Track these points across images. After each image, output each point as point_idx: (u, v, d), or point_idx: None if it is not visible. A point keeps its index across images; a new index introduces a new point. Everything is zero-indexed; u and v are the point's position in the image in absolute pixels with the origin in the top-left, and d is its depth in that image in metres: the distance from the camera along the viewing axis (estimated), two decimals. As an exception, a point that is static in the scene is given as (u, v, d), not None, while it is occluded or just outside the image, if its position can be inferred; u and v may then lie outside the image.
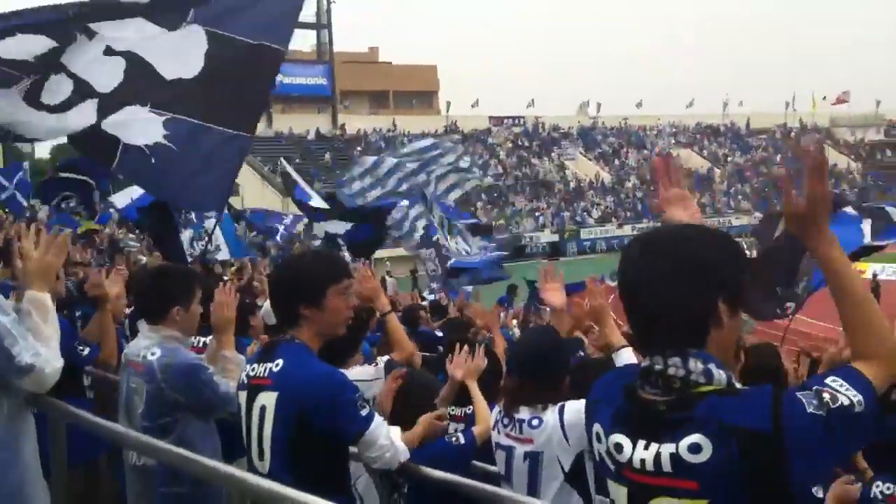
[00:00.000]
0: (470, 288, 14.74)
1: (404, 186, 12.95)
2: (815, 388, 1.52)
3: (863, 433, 1.57)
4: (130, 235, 21.73)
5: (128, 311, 5.09)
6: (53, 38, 4.59)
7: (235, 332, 3.57)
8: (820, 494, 3.05)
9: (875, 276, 23.40)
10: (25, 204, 18.44)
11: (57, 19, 4.68)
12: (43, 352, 2.78)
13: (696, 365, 1.58)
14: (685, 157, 59.90)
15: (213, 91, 5.07)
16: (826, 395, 1.50)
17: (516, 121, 60.44)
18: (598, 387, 1.80)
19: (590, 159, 57.96)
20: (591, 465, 2.82)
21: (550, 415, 3.00)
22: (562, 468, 2.96)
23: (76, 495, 3.75)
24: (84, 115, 4.72)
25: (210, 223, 13.01)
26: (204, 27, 5.03)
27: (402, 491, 3.33)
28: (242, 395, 2.63)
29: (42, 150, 50.05)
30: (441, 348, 5.94)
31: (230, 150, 5.25)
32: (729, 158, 62.20)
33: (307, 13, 47.53)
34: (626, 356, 3.11)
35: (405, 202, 12.84)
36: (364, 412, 2.53)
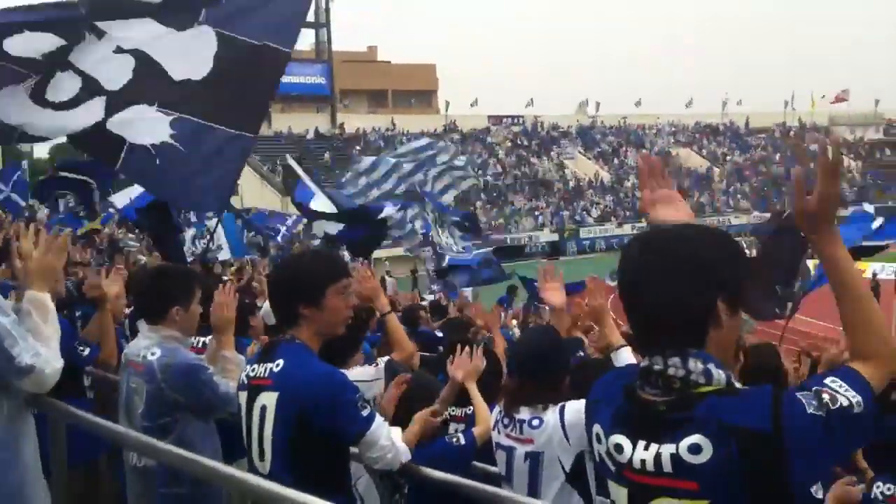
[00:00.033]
0: (469, 289, 14.75)
1: (403, 187, 12.98)
2: (814, 388, 1.52)
3: (861, 434, 1.57)
4: (130, 235, 21.73)
5: (127, 311, 5.09)
6: (62, 37, 4.59)
7: (235, 332, 3.57)
8: (819, 495, 3.05)
9: (875, 275, 23.41)
10: (23, 204, 18.44)
11: (67, 17, 4.68)
12: (43, 352, 2.77)
13: (695, 365, 1.58)
14: (684, 157, 60.01)
15: (219, 91, 5.08)
16: (826, 396, 1.50)
17: (515, 120, 60.42)
18: (598, 387, 1.80)
19: (589, 158, 57.95)
20: (592, 465, 2.82)
21: (551, 415, 3.00)
22: (563, 468, 2.96)
23: (76, 496, 3.75)
24: (91, 113, 4.72)
25: (212, 222, 13.04)
26: (214, 28, 5.03)
27: (402, 492, 3.33)
28: (243, 396, 2.63)
29: (41, 150, 50.06)
30: (441, 348, 5.94)
31: (233, 151, 5.25)
32: (728, 157, 62.21)
33: (306, 12, 47.45)
34: (625, 356, 3.11)
35: (407, 205, 12.87)
36: (365, 413, 2.53)
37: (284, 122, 50.39)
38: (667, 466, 1.54)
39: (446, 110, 60.07)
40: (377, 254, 17.23)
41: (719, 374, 1.57)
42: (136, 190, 14.65)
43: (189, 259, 12.84)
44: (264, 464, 2.53)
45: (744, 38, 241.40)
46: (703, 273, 1.60)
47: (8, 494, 2.76)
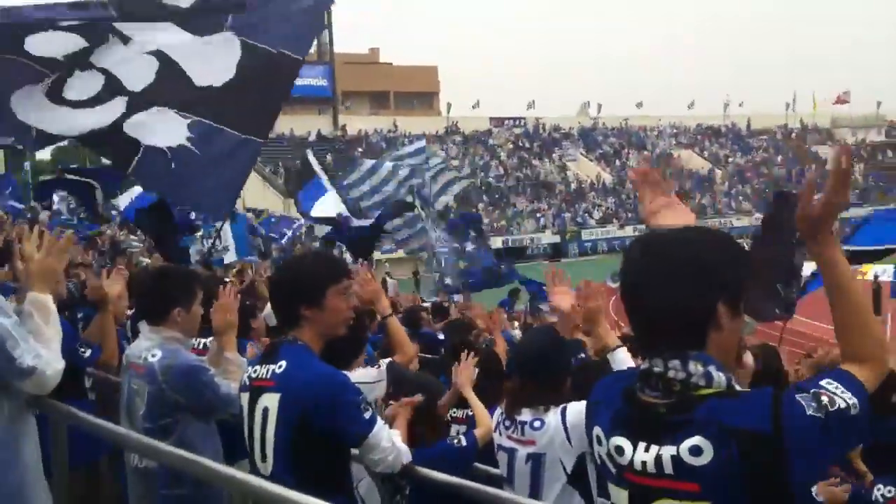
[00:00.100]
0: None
1: (403, 191, 13.03)
2: (812, 390, 1.53)
3: (857, 435, 1.58)
4: (132, 237, 21.74)
5: (129, 312, 5.10)
6: (85, 38, 4.61)
7: (237, 333, 3.57)
8: (820, 498, 3.05)
9: (876, 277, 23.38)
10: (21, 207, 18.52)
11: (92, 17, 4.69)
12: (44, 354, 2.77)
13: (696, 367, 1.58)
14: (686, 158, 60.01)
15: (235, 97, 5.12)
16: (824, 398, 1.51)
17: (517, 122, 60.46)
18: (599, 389, 1.80)
19: (591, 160, 57.96)
20: (593, 466, 2.82)
21: (552, 416, 3.00)
22: (564, 470, 2.96)
23: (77, 497, 3.75)
24: (111, 113, 4.73)
25: (221, 223, 13.07)
26: (239, 37, 5.07)
27: (404, 493, 3.33)
28: (245, 397, 2.63)
29: (43, 152, 50.11)
30: (443, 350, 5.95)
31: (242, 154, 5.28)
32: (730, 159, 62.20)
33: (308, 14, 47.50)
34: (621, 356, 3.11)
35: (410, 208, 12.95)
36: (367, 414, 2.53)
37: (286, 123, 50.43)
38: (668, 468, 1.54)
39: (448, 112, 60.12)
40: (377, 255, 17.27)
41: (720, 377, 1.57)
42: (136, 191, 14.68)
43: (196, 259, 12.88)
44: (266, 465, 2.53)
45: (744, 38, 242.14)
46: (704, 275, 1.60)
47: (8, 495, 2.76)
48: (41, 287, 2.93)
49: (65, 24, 4.59)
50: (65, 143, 5.19)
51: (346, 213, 12.94)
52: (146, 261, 13.68)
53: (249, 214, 20.42)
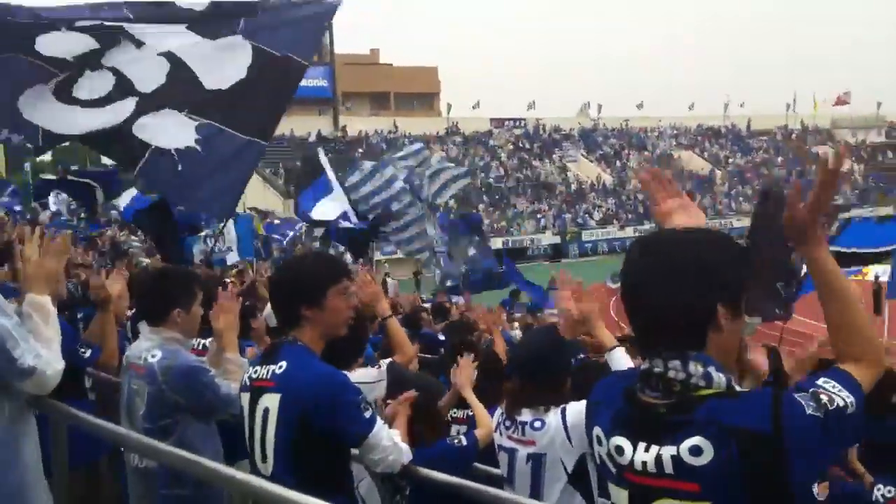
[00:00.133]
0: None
1: (404, 196, 13.06)
2: (811, 390, 1.54)
3: (853, 433, 1.59)
4: (133, 237, 21.76)
5: (129, 313, 5.10)
6: (97, 40, 4.62)
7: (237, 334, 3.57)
8: (821, 498, 3.04)
9: (877, 277, 23.38)
10: (18, 208, 18.57)
11: (105, 17, 4.70)
12: (44, 354, 2.78)
13: (696, 368, 1.58)
14: (686, 159, 60.00)
15: (241, 99, 5.13)
16: (823, 397, 1.52)
17: (517, 122, 60.46)
18: (599, 389, 1.81)
19: (591, 161, 57.94)
20: (594, 466, 2.82)
21: (553, 416, 3.00)
22: (565, 470, 2.96)
23: (77, 497, 3.75)
24: (119, 113, 4.73)
25: (226, 223, 13.12)
26: (250, 41, 5.09)
27: (404, 493, 3.33)
28: (245, 397, 2.63)
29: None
30: (443, 351, 5.95)
31: (246, 156, 5.29)
32: (730, 160, 62.18)
33: (308, 15, 47.59)
34: (618, 356, 3.11)
35: (413, 209, 12.98)
36: (367, 414, 2.53)
37: (287, 124, 50.36)
38: (668, 468, 1.54)
39: (448, 113, 60.13)
40: (378, 256, 17.29)
41: (719, 378, 1.58)
42: (135, 191, 14.69)
43: (200, 258, 12.90)
44: (266, 465, 2.53)
45: (744, 39, 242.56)
46: (704, 276, 1.60)
47: (8, 495, 2.76)
48: (39, 288, 2.93)
49: (79, 24, 4.60)
50: (66, 143, 5.19)
51: (350, 211, 12.93)
52: (146, 261, 13.69)
53: (254, 214, 20.47)
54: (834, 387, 1.54)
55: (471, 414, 3.76)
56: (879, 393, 1.64)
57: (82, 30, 4.59)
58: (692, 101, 67.24)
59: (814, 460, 1.53)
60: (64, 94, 4.56)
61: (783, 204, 1.71)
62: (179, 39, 4.93)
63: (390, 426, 2.83)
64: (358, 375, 3.52)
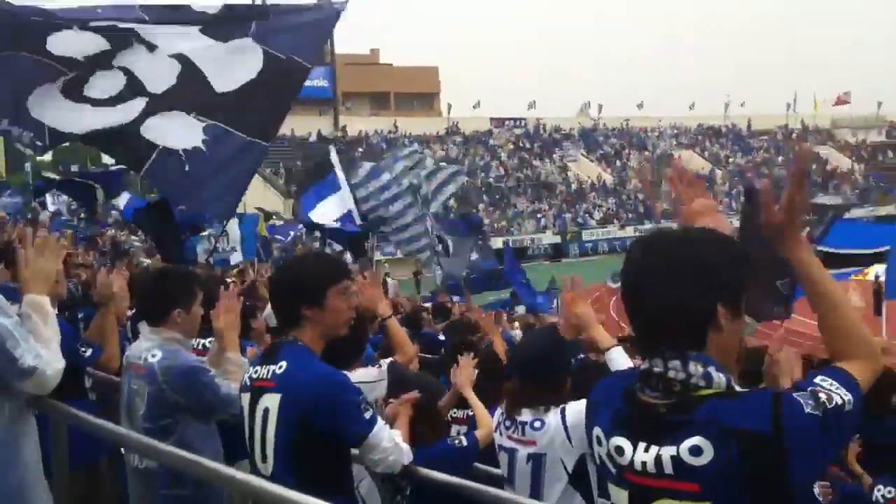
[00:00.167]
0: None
1: (408, 198, 13.08)
2: (809, 389, 1.54)
3: (851, 431, 1.60)
4: (133, 237, 21.77)
5: (129, 313, 5.10)
6: (108, 41, 4.62)
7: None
8: (821, 499, 3.05)
9: (878, 277, 23.38)
10: (18, 207, 18.63)
11: (120, 18, 4.70)
12: (44, 354, 2.78)
13: (696, 368, 1.58)
14: (686, 159, 59.91)
15: (246, 101, 5.15)
16: (822, 396, 1.52)
17: (517, 122, 60.47)
18: (598, 389, 1.81)
19: (591, 161, 57.94)
20: (594, 466, 2.82)
21: (553, 416, 3.00)
22: (565, 470, 2.96)
23: (77, 497, 3.75)
24: (128, 113, 4.74)
25: (230, 223, 13.13)
26: (260, 45, 5.11)
27: (404, 493, 3.33)
28: (245, 397, 2.63)
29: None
30: (443, 351, 5.94)
31: (248, 157, 5.30)
32: (730, 160, 62.18)
33: (309, 15, 47.69)
34: (615, 356, 3.11)
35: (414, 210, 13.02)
36: (367, 414, 2.53)
37: (287, 124, 50.17)
38: (668, 468, 1.54)
39: (448, 113, 60.13)
40: (378, 256, 17.29)
41: (719, 378, 1.58)
42: (128, 195, 14.68)
43: (205, 258, 12.90)
44: (266, 465, 2.53)
45: (744, 38, 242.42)
46: (704, 276, 1.60)
47: (8, 495, 2.76)
48: (37, 288, 2.93)
49: (93, 24, 4.61)
50: (70, 143, 5.19)
51: (354, 210, 12.93)
52: (146, 261, 13.69)
53: (260, 213, 20.49)
54: (831, 384, 1.55)
55: (471, 414, 3.76)
56: (878, 393, 1.64)
57: (95, 30, 4.60)
58: (692, 101, 67.31)
59: (813, 460, 1.53)
60: (74, 93, 4.57)
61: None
62: (192, 42, 4.95)
63: (391, 426, 2.83)
64: (358, 375, 3.52)
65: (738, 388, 1.59)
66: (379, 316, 4.29)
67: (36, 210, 19.80)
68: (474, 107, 61.44)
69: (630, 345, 3.53)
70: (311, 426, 2.45)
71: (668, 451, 1.54)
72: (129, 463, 3.38)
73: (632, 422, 1.63)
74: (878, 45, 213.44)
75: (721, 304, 1.60)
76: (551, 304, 17.09)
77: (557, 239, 46.98)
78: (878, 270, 24.18)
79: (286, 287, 2.71)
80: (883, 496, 3.17)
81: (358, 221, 13.01)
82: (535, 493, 3.00)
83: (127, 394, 3.37)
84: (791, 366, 3.10)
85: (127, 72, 4.73)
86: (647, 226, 44.15)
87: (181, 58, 4.91)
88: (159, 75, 4.83)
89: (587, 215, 50.13)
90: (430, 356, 6.58)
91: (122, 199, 15.06)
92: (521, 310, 15.96)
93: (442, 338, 7.78)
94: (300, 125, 51.06)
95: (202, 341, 4.09)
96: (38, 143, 4.51)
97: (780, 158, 62.28)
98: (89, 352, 4.03)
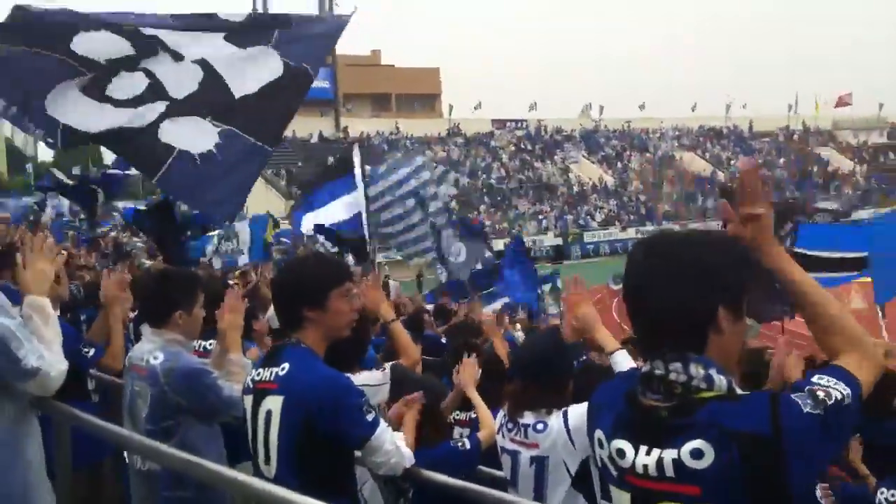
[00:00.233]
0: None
1: (412, 201, 13.10)
2: (806, 388, 1.54)
3: (851, 427, 1.60)
4: (135, 239, 21.78)
5: (132, 315, 5.10)
6: (133, 46, 4.65)
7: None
8: (824, 502, 3.04)
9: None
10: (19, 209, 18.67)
11: (152, 25, 4.73)
12: (47, 355, 2.78)
13: (697, 371, 1.58)
14: (688, 161, 59.98)
15: (257, 106, 5.17)
16: (820, 394, 1.52)
17: (519, 124, 60.47)
18: (600, 392, 1.81)
19: (593, 162, 57.92)
20: (595, 469, 2.81)
21: (555, 419, 3.00)
22: (568, 472, 2.95)
23: (80, 498, 3.76)
24: (149, 115, 4.75)
25: (240, 225, 13.12)
26: (278, 52, 5.15)
27: (407, 496, 3.33)
28: (248, 399, 2.64)
29: (45, 153, 50.07)
30: (445, 353, 5.94)
31: (253, 160, 5.32)
32: (732, 161, 62.09)
33: (310, 17, 47.80)
34: (619, 359, 3.10)
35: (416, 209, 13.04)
36: (370, 417, 2.53)
37: (288, 126, 50.17)
38: (669, 471, 1.55)
39: (450, 114, 60.14)
40: (379, 258, 17.28)
41: (720, 380, 1.58)
42: (129, 204, 14.68)
43: (209, 259, 12.89)
44: (269, 467, 2.54)
45: (744, 39, 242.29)
46: (706, 278, 1.60)
47: (12, 496, 2.77)
48: (37, 289, 2.94)
49: (122, 27, 4.63)
50: (86, 144, 5.19)
51: (363, 214, 12.91)
52: (148, 263, 13.70)
53: (270, 218, 20.52)
54: (829, 381, 1.55)
55: (474, 416, 3.76)
56: (879, 396, 1.64)
57: (122, 34, 4.62)
58: (694, 102, 67.37)
59: (812, 460, 1.53)
60: (95, 91, 4.58)
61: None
62: (215, 49, 4.98)
63: (396, 428, 2.83)
64: (362, 378, 3.52)
65: (739, 391, 1.59)
66: (382, 320, 4.29)
67: (37, 212, 19.84)
68: (475, 108, 61.55)
69: (632, 346, 3.53)
70: (315, 429, 2.45)
71: (669, 454, 1.54)
72: (131, 465, 3.39)
73: (633, 425, 1.63)
74: (878, 46, 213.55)
75: (722, 305, 1.60)
76: (548, 306, 17.07)
77: (559, 241, 46.90)
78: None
79: (288, 289, 2.71)
80: (886, 499, 3.17)
81: (365, 225, 12.99)
82: (539, 495, 3.00)
83: (129, 396, 3.37)
84: (799, 371, 3.11)
85: (150, 74, 4.76)
86: (649, 227, 44.13)
87: (203, 63, 4.94)
88: (183, 82, 4.86)
89: (589, 217, 50.10)
90: (431, 358, 6.58)
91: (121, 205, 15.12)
92: (499, 305, 15.70)
93: (444, 340, 7.77)
94: (301, 127, 51.04)
95: (203, 343, 4.09)
96: (50, 140, 4.52)
97: (781, 160, 62.25)
98: (92, 352, 4.05)
